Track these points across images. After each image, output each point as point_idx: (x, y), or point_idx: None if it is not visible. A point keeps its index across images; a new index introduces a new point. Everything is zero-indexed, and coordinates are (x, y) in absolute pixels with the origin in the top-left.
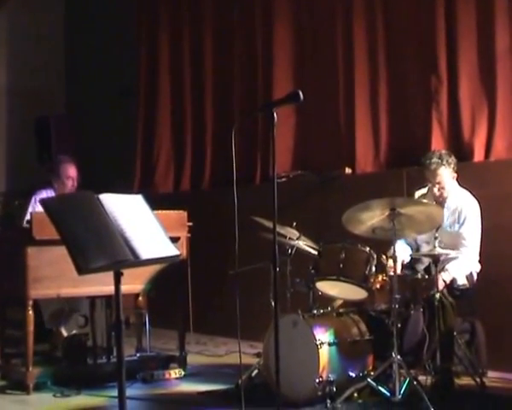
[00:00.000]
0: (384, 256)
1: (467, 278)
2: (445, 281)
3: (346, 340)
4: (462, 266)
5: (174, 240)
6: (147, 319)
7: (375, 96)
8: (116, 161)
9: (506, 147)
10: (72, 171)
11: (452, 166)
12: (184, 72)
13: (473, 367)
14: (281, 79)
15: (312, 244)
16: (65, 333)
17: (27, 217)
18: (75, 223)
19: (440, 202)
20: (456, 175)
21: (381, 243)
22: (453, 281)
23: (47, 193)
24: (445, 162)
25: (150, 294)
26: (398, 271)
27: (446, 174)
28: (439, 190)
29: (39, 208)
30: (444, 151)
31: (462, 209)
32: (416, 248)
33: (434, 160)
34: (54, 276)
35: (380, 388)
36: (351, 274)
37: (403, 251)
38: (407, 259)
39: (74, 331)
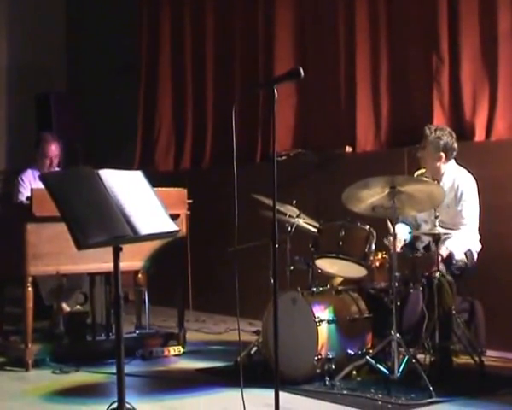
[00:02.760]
0: (386, 240)
1: (466, 255)
2: (441, 255)
3: (345, 318)
4: (460, 240)
5: (174, 217)
6: (146, 296)
7: (377, 75)
8: (117, 138)
9: (507, 127)
10: (50, 151)
11: (442, 144)
12: (186, 49)
13: (471, 346)
14: (282, 58)
15: (312, 222)
16: (67, 308)
17: (22, 197)
18: (74, 198)
19: (436, 180)
20: (444, 157)
21: (382, 222)
22: (451, 256)
23: (32, 171)
24: (435, 137)
25: (149, 271)
26: (399, 249)
27: (431, 147)
28: (421, 155)
29: (29, 187)
30: (448, 131)
31: (458, 186)
32: (416, 228)
33: (431, 128)
34: (53, 253)
35: (378, 366)
36: (350, 252)
37: (403, 231)
38: (408, 238)
39: (78, 307)
